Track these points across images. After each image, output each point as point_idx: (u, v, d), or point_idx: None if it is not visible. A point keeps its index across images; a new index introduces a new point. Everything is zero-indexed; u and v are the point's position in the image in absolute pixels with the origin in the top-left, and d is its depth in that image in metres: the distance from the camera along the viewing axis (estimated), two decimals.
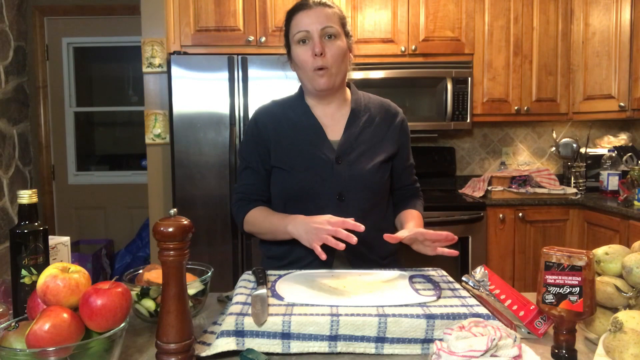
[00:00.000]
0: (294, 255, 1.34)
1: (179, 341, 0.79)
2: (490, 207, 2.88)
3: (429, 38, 3.08)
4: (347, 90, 1.40)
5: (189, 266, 1.14)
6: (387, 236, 1.11)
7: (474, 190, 3.12)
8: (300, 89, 1.40)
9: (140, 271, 1.12)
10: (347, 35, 1.32)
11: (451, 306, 0.93)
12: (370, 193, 1.33)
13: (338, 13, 1.30)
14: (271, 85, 2.73)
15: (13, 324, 0.81)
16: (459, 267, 2.86)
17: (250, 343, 0.86)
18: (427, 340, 0.87)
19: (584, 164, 3.22)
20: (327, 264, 1.29)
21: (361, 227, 1.06)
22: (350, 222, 1.07)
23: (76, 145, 4.25)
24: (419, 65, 3.02)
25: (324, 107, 1.36)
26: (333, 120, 1.35)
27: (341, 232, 1.06)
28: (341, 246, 1.05)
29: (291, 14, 1.31)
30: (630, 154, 3.12)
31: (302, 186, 1.31)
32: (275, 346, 0.86)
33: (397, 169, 1.41)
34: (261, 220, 1.33)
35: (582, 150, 3.24)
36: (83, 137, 4.32)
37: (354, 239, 1.05)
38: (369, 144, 1.33)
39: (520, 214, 2.89)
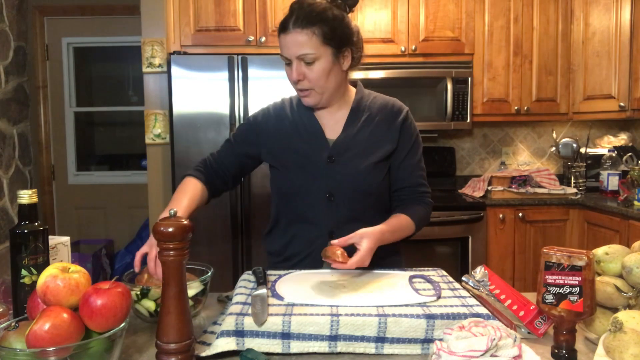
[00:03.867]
0: (290, 251, 1.36)
1: (179, 341, 0.79)
2: (490, 207, 2.88)
3: (429, 38, 3.07)
4: (352, 89, 1.39)
5: (189, 266, 1.14)
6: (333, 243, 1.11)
7: (474, 190, 3.12)
8: None
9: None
10: (337, 46, 1.26)
11: (451, 306, 0.93)
12: (361, 194, 1.30)
13: (318, 32, 1.22)
14: (271, 85, 2.73)
15: (13, 324, 0.81)
16: (459, 267, 2.86)
17: (250, 343, 0.86)
18: (427, 340, 0.87)
19: (584, 164, 3.22)
20: (319, 262, 1.30)
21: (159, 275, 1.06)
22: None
23: (76, 145, 4.25)
24: (419, 65, 3.02)
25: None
26: (333, 120, 1.35)
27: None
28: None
29: (279, 30, 1.27)
30: (630, 154, 3.12)
31: (293, 184, 1.32)
32: (275, 346, 0.86)
33: (393, 166, 1.35)
34: (177, 190, 1.30)
35: (582, 150, 3.24)
36: (83, 137, 4.32)
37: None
38: (366, 144, 1.32)
39: (520, 214, 2.89)
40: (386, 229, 1.20)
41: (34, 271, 0.94)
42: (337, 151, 1.31)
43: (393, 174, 1.37)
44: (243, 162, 1.40)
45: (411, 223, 1.31)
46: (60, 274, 0.80)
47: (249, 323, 0.86)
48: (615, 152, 3.12)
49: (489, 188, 3.00)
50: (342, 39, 1.27)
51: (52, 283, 0.79)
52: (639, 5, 2.83)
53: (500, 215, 2.88)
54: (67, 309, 0.78)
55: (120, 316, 0.79)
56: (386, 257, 1.36)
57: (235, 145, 1.40)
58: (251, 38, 2.95)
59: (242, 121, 2.73)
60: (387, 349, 0.87)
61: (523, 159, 3.53)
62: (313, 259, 1.32)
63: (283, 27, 1.25)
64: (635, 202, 2.61)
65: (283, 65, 1.39)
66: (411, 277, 1.11)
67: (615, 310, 0.91)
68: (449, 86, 2.99)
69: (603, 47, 3.01)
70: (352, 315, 0.87)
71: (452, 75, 3.00)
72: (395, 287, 1.04)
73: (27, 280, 0.94)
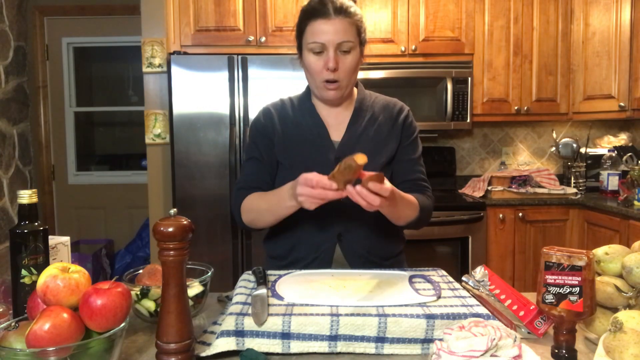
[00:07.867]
0: (295, 256, 1.33)
1: (179, 341, 0.79)
2: (490, 207, 2.88)
3: (429, 38, 3.08)
4: (355, 89, 1.38)
5: (188, 266, 1.14)
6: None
7: (474, 190, 3.12)
8: (307, 88, 1.38)
9: (140, 271, 1.12)
10: (362, 43, 1.28)
11: (451, 306, 0.93)
12: None
13: (357, 22, 1.24)
14: (271, 85, 2.73)
15: (13, 324, 0.81)
16: (459, 267, 2.86)
17: (250, 343, 0.86)
18: (427, 340, 0.87)
19: (584, 164, 3.22)
20: (326, 266, 1.29)
21: (333, 186, 1.02)
22: (325, 182, 1.03)
23: (76, 145, 4.25)
24: (419, 65, 3.02)
25: (329, 106, 1.34)
26: (337, 120, 1.33)
27: (324, 196, 1.04)
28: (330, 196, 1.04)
29: (309, 17, 1.24)
30: (630, 154, 3.12)
31: None
32: (275, 346, 0.86)
33: (393, 162, 1.34)
34: (257, 200, 1.27)
35: (582, 150, 3.24)
36: (83, 137, 4.32)
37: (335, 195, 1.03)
38: (372, 144, 1.30)
39: (520, 214, 2.89)
40: (396, 190, 1.14)
41: (34, 271, 0.94)
42: (344, 152, 1.27)
43: (394, 169, 1.35)
44: (275, 169, 1.35)
45: (415, 203, 1.24)
46: (60, 274, 0.80)
47: (249, 323, 0.86)
48: (615, 152, 3.12)
49: (489, 188, 3.00)
50: (364, 36, 1.29)
51: (52, 283, 0.79)
52: (639, 5, 2.83)
53: (500, 215, 2.88)
54: (67, 309, 0.78)
55: (120, 316, 0.79)
56: (388, 259, 1.36)
57: (256, 156, 1.34)
58: (251, 38, 2.95)
59: (241, 121, 2.73)
60: (387, 349, 0.87)
61: (523, 159, 3.53)
62: (320, 264, 1.29)
63: (322, 13, 1.21)
64: (635, 202, 2.61)
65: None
66: (411, 277, 1.11)
67: (615, 310, 0.91)
68: (449, 86, 2.99)
69: (603, 47, 3.01)
70: (352, 315, 0.87)
71: (452, 75, 3.00)
72: (395, 287, 1.04)
73: (27, 280, 0.94)
